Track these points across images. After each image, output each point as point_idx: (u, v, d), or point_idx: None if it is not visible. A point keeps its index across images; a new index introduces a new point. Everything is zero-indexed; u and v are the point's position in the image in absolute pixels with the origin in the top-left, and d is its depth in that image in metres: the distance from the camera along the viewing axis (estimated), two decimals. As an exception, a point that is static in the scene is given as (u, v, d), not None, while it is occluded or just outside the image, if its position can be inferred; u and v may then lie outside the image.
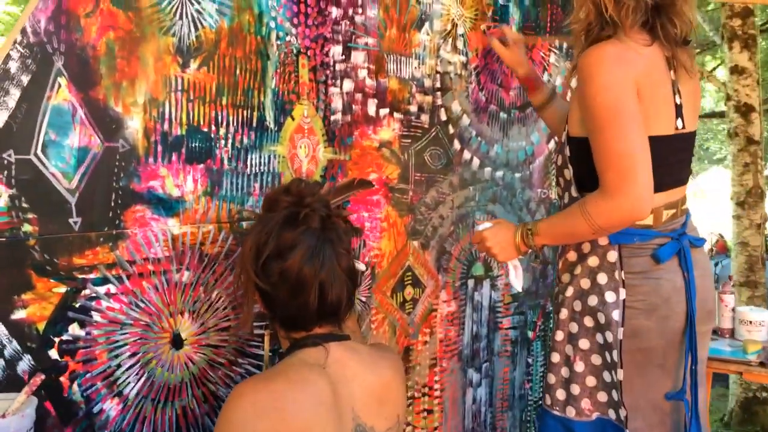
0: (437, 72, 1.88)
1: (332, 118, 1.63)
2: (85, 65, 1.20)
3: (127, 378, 1.30)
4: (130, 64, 1.26)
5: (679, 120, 1.49)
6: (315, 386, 1.18)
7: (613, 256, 1.50)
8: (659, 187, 1.50)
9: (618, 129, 1.37)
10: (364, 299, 1.74)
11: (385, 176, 1.77)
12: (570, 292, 1.55)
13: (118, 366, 1.29)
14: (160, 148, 1.31)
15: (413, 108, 1.82)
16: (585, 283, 1.53)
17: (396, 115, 1.78)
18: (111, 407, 1.28)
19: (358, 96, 1.68)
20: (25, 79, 1.12)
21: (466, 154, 2.00)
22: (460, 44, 1.94)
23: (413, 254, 1.87)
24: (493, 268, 2.16)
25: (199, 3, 1.35)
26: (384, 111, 1.75)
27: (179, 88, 1.33)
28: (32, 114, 1.14)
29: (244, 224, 1.47)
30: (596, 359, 1.53)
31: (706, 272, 1.61)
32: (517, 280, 1.64)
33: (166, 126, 1.32)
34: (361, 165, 1.71)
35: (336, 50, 1.61)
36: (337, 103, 1.63)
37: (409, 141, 1.82)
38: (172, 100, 1.32)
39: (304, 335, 1.28)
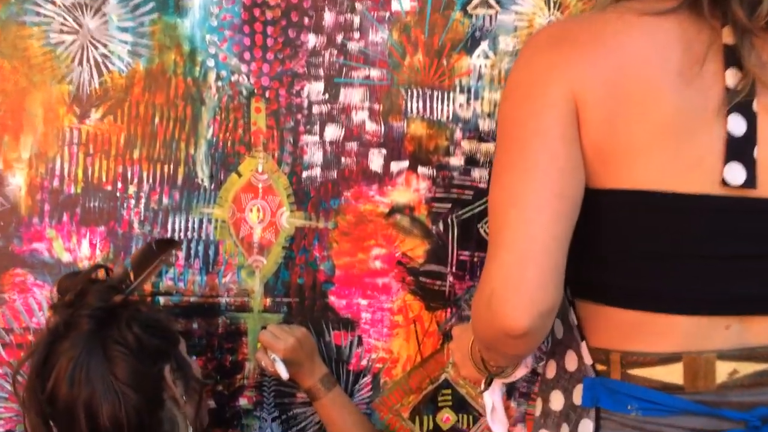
0: (507, 109, 1.31)
1: (305, 174, 1.26)
2: (-40, 120, 1.16)
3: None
4: (13, 117, 1.18)
5: (737, 167, 0.73)
6: None
7: (586, 428, 0.79)
8: (688, 306, 0.77)
9: (501, 161, 0.79)
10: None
11: (399, 253, 1.29)
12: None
13: (-10, 439, 1.19)
14: (47, 207, 1.19)
15: (456, 160, 1.30)
16: None
17: (422, 170, 1.29)
18: (-21, 485, 1.18)
19: (352, 145, 1.27)
20: None
21: (571, 228, 1.35)
22: (556, 67, 1.33)
23: (456, 366, 1.32)
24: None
25: (105, 46, 1.19)
26: (400, 165, 1.29)
27: (74, 141, 1.19)
28: None
29: (161, 299, 1.23)
30: None
31: None
32: (492, 420, 1.01)
33: (56, 183, 1.19)
34: (356, 235, 1.28)
35: (313, 88, 1.26)
36: (315, 156, 1.26)
37: (448, 206, 1.30)
38: (65, 154, 1.19)
39: None
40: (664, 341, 0.78)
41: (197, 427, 1.05)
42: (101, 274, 1.03)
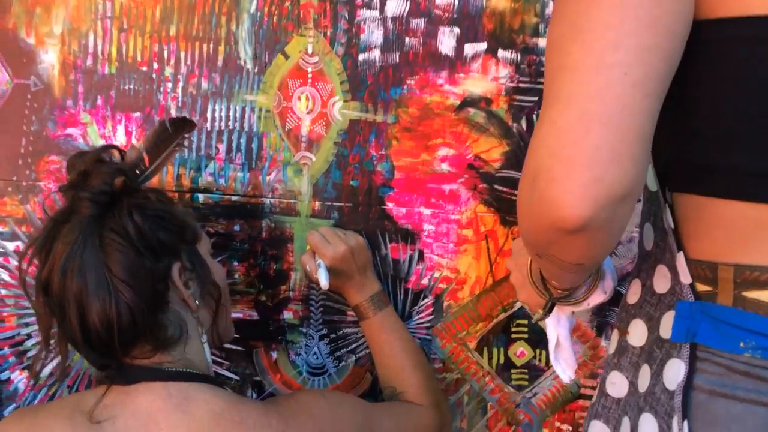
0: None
1: (361, 57, 1.07)
2: (-9, -10, 1.07)
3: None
4: (45, -14, 1.07)
5: None
6: None
7: (675, 372, 0.58)
8: None
9: None
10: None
11: (471, 155, 1.08)
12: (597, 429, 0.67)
13: (29, 336, 1.14)
14: (81, 89, 1.09)
15: (545, 43, 1.06)
16: (624, 426, 0.63)
17: (504, 54, 1.06)
18: (20, 379, 1.14)
19: (418, 23, 1.06)
20: None
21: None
22: None
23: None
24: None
25: None
26: (476, 47, 1.06)
27: (108, 14, 1.07)
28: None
29: (201, 197, 1.10)
30: None
31: None
32: (556, 359, 0.81)
33: (89, 62, 1.08)
34: (421, 132, 1.08)
35: (374, -48, 1.05)
36: (374, 35, 1.07)
37: (534, 99, 1.07)
38: (98, 29, 1.08)
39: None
40: None
41: (216, 339, 0.92)
42: (115, 155, 0.91)
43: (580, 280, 0.71)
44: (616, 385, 0.67)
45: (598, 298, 0.75)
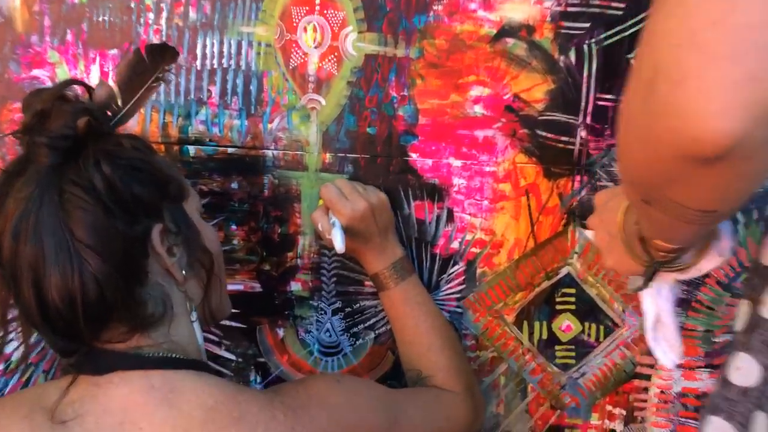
0: None
1: (378, -22, 0.90)
2: None
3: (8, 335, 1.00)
4: None
5: None
6: None
7: None
8: None
9: None
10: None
11: (510, 94, 0.91)
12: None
13: (-2, 313, 0.99)
14: (47, 22, 0.92)
15: (600, -43, 0.88)
16: (759, 423, 0.47)
17: (549, -28, 0.89)
18: (-11, 363, 1.00)
19: (446, -65, 0.89)
20: None
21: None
22: None
23: (585, 256, 0.95)
24: None
25: None
26: (516, -35, 0.89)
27: (75, -69, 0.90)
28: None
29: (191, 149, 0.94)
30: None
31: None
32: (656, 339, 0.67)
33: (56, -10, 0.92)
34: (449, 68, 0.91)
35: None
36: (393, -49, 0.89)
37: (585, 26, 0.89)
38: (64, -50, 0.91)
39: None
40: None
41: (209, 316, 0.76)
42: (81, 93, 0.75)
43: (698, 238, 0.54)
44: (743, 370, 0.52)
45: (711, 262, 0.58)
